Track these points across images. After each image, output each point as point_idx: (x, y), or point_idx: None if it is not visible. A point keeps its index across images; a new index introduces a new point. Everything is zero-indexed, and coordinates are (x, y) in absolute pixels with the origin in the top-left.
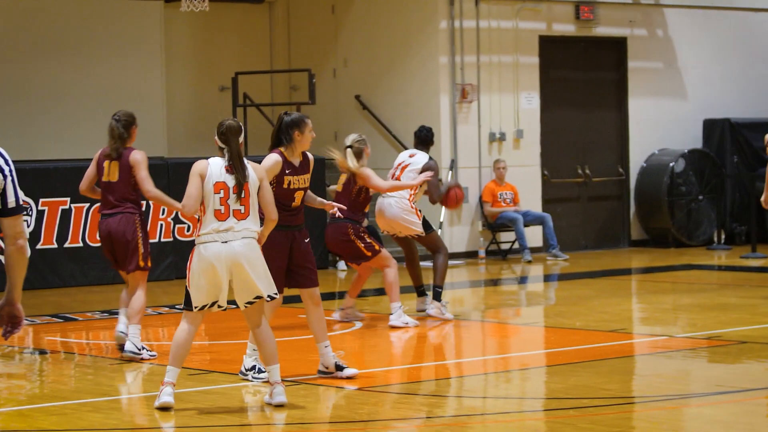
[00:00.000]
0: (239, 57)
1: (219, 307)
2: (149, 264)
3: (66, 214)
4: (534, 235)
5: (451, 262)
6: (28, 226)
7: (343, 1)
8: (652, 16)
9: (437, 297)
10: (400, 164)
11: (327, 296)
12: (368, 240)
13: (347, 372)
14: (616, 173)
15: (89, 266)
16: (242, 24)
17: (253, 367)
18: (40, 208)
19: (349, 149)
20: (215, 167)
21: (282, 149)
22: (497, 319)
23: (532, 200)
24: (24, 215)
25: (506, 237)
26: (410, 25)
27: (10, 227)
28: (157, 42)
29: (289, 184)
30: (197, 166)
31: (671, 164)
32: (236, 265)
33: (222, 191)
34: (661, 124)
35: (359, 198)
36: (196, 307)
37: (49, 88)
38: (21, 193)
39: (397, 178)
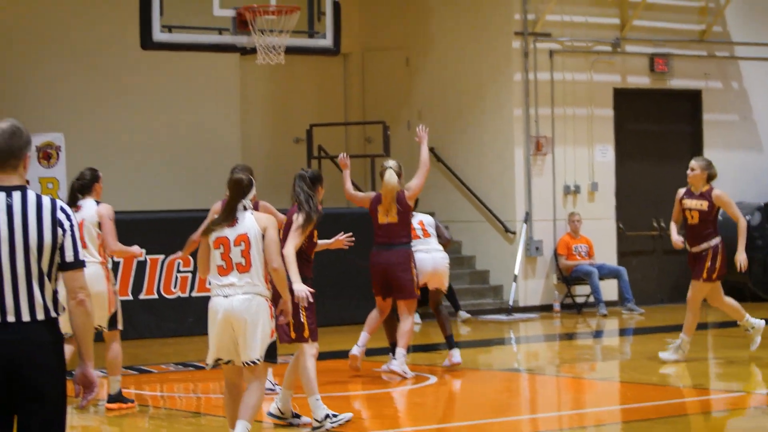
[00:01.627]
0: (314, 109)
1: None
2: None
3: (141, 265)
4: (609, 289)
5: (525, 316)
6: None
7: (418, 53)
8: (727, 68)
9: (452, 345)
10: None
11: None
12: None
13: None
14: None
15: (164, 318)
16: (317, 76)
17: (327, 416)
18: (115, 259)
19: (389, 170)
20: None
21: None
22: (572, 374)
23: (607, 253)
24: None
25: (581, 290)
26: (484, 77)
27: (69, 281)
28: (233, 94)
29: (315, 236)
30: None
31: (747, 217)
32: (236, 320)
33: (222, 246)
34: (736, 177)
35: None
36: (208, 365)
37: (123, 137)
38: (81, 249)
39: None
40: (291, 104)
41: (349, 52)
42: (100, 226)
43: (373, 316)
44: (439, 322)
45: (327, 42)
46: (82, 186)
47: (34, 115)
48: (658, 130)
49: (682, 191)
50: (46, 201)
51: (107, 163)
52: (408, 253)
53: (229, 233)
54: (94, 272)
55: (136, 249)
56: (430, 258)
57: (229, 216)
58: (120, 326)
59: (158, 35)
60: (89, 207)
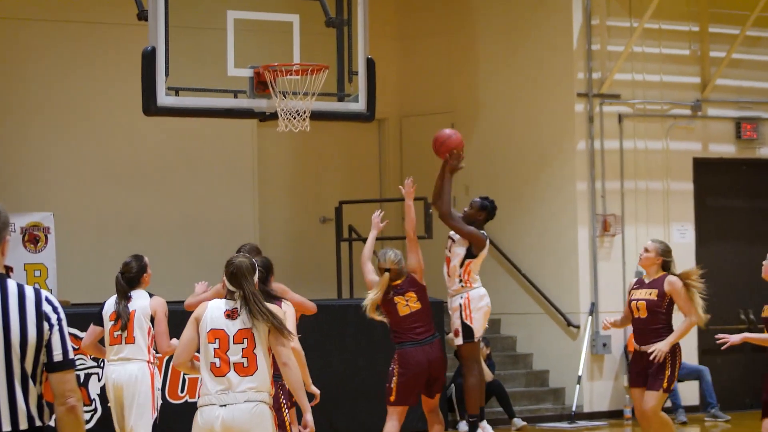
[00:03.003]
0: (344, 184)
1: None
2: None
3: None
4: (689, 392)
5: (592, 423)
6: (99, 380)
7: (465, 118)
8: None
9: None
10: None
11: None
12: None
13: None
14: None
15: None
16: (348, 146)
17: None
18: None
19: (395, 258)
20: (214, 311)
21: None
22: None
23: (686, 351)
24: (95, 367)
25: None
26: (542, 146)
27: (58, 384)
28: (250, 166)
29: None
30: (197, 310)
31: None
32: None
33: (218, 341)
34: None
35: None
36: None
37: (120, 218)
38: (71, 346)
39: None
40: (317, 178)
41: (385, 117)
42: (152, 320)
43: None
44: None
45: (359, 106)
46: (131, 279)
47: (17, 192)
48: (745, 206)
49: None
50: (29, 291)
51: (102, 247)
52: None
53: (229, 326)
54: (138, 371)
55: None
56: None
57: (259, 308)
58: None
59: (163, 99)
60: (142, 298)
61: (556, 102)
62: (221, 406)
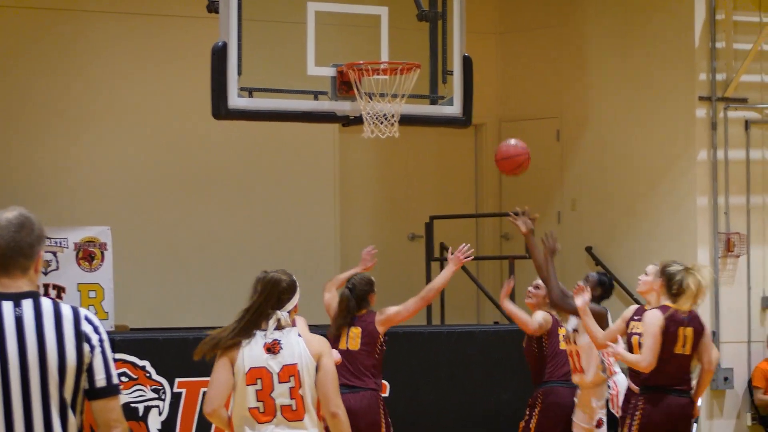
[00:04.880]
0: (435, 196)
1: None
2: None
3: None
4: None
5: None
6: (160, 414)
7: (572, 124)
8: None
9: None
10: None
11: None
12: None
13: None
14: None
15: None
16: (440, 154)
17: None
18: (176, 389)
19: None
20: (251, 347)
21: None
22: None
23: None
24: (155, 399)
25: None
26: (658, 156)
27: (101, 413)
28: (331, 176)
29: None
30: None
31: None
32: None
33: (259, 381)
34: None
35: None
36: None
37: (186, 232)
38: (115, 371)
39: None
40: (406, 190)
41: (483, 122)
42: None
43: None
44: None
45: (455, 109)
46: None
47: (71, 204)
48: None
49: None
50: (65, 309)
51: (165, 265)
52: None
53: (272, 364)
54: None
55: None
56: None
57: (253, 323)
58: None
59: (235, 100)
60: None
61: (674, 106)
62: None
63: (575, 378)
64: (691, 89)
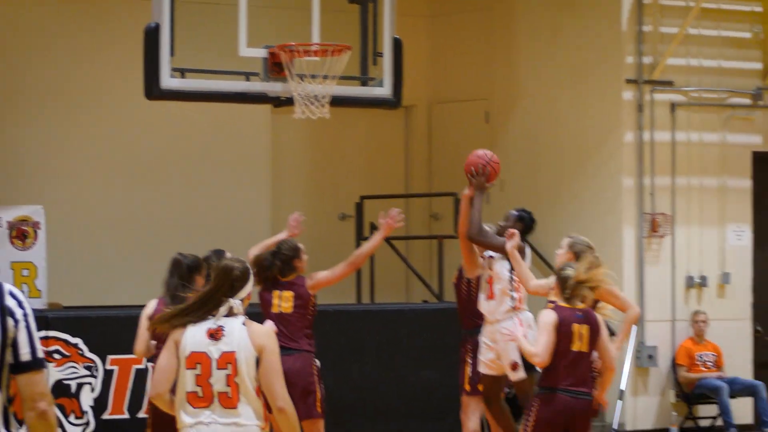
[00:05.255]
0: (366, 177)
1: None
2: None
3: (141, 375)
4: (742, 409)
5: None
6: (93, 390)
7: (501, 105)
8: None
9: None
10: None
11: None
12: None
13: None
14: None
15: None
16: (371, 135)
17: None
18: (108, 367)
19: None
20: (195, 332)
21: None
22: None
23: (740, 364)
24: (88, 377)
25: (706, 411)
26: (586, 138)
27: (26, 386)
28: (263, 157)
29: None
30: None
31: None
32: None
33: (199, 366)
34: None
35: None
36: None
37: (118, 211)
38: (39, 345)
39: None
40: (336, 171)
41: (413, 103)
42: None
43: None
44: None
45: (385, 91)
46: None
47: (4, 183)
48: None
49: None
50: None
51: (98, 244)
52: None
53: (213, 350)
54: None
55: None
56: None
57: (205, 309)
58: None
59: (167, 81)
60: None
61: (602, 89)
62: None
63: (484, 307)
64: (618, 72)
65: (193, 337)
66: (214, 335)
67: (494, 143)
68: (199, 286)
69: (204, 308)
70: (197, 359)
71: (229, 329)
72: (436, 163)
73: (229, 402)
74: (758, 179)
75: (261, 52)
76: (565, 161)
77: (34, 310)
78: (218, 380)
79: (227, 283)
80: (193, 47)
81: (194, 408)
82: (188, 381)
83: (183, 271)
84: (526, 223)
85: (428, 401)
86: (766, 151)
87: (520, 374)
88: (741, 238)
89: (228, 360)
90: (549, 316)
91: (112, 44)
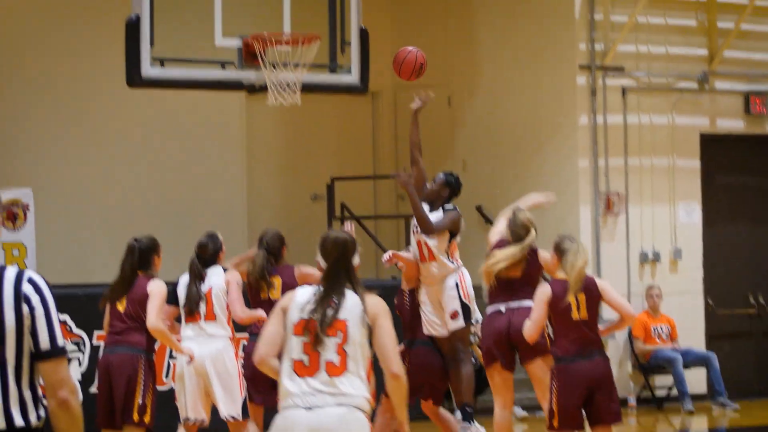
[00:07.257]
0: (336, 159)
1: None
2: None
3: None
4: (696, 379)
5: None
6: (80, 365)
7: (462, 91)
8: None
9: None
10: None
11: None
12: None
13: None
14: None
15: (158, 417)
16: (340, 120)
17: None
18: (94, 342)
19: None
20: (303, 297)
21: None
22: None
23: (693, 336)
24: (75, 352)
25: (661, 381)
26: (542, 121)
27: (47, 375)
28: (238, 141)
29: None
30: (283, 298)
31: None
32: None
33: (307, 333)
34: None
35: None
36: None
37: (103, 194)
38: (59, 332)
39: None
40: (308, 154)
41: (379, 90)
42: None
43: None
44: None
45: (352, 78)
46: (207, 260)
47: None
48: (755, 184)
49: None
50: (9, 272)
51: (85, 225)
52: None
53: (321, 317)
54: (223, 349)
55: (261, 313)
56: None
57: (335, 280)
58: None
59: (148, 70)
60: (217, 275)
61: (556, 75)
62: (306, 409)
63: (424, 268)
64: (572, 58)
65: (303, 304)
66: (322, 302)
67: (456, 125)
68: (156, 268)
69: (333, 279)
70: (306, 326)
71: (341, 297)
72: (402, 145)
73: (335, 371)
74: (706, 159)
75: (236, 42)
76: (523, 143)
77: None
78: (327, 348)
79: (345, 254)
80: (171, 37)
81: (300, 377)
82: (294, 348)
83: (138, 254)
84: (452, 187)
85: None
86: (713, 133)
87: (458, 323)
88: (691, 215)
89: (339, 328)
90: (542, 292)
91: (97, 34)
